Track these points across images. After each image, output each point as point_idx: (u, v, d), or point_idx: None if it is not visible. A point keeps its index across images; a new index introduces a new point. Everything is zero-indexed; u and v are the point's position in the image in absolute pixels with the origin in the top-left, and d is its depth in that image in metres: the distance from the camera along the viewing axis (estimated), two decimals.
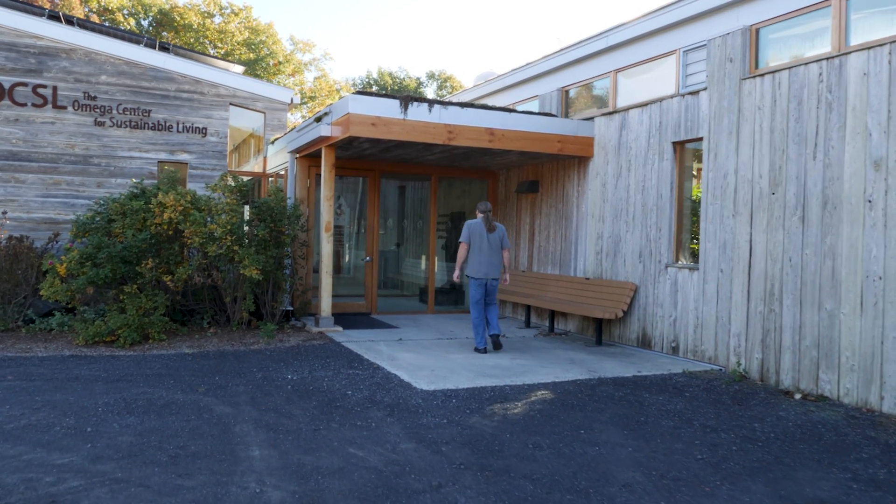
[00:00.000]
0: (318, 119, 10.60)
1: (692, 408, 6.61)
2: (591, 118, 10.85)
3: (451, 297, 14.61)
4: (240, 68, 17.67)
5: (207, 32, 35.46)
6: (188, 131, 14.56)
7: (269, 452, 5.01)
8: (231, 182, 10.17)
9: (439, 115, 9.78)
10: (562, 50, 11.58)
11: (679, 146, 9.28)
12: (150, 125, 14.29)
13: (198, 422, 5.73)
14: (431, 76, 45.42)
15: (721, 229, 8.43)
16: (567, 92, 11.89)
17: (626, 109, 10.12)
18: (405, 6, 67.14)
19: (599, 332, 10.00)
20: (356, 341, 9.69)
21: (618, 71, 10.55)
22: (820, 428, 6.05)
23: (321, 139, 10.37)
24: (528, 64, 12.61)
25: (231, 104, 15.02)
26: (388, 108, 9.51)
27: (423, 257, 15.83)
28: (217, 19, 37.22)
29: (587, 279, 10.70)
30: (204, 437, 5.32)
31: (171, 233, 9.61)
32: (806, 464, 5.12)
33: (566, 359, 8.84)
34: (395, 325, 11.58)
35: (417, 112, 9.66)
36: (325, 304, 10.56)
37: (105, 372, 7.53)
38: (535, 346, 9.80)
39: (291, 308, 11.78)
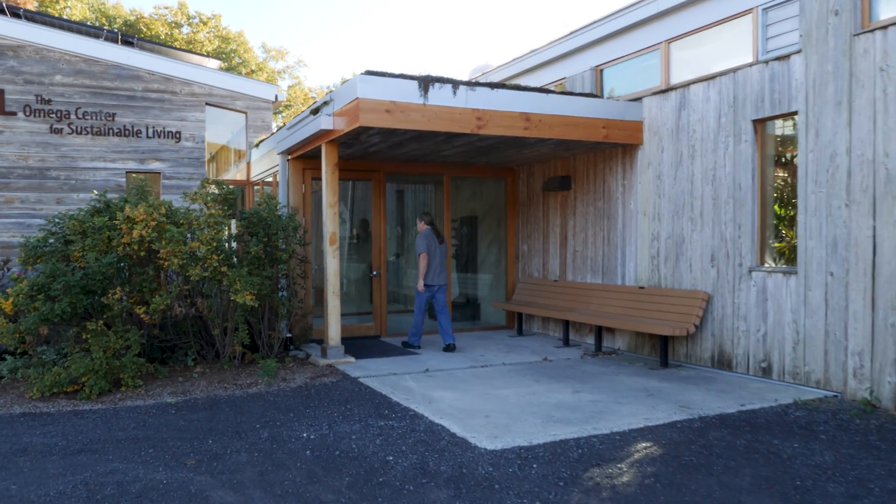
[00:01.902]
0: (316, 111, 8.88)
1: (845, 458, 4.98)
2: (639, 99, 9.23)
3: (467, 311, 12.93)
4: (216, 63, 15.90)
5: (176, 43, 33.71)
6: (160, 136, 12.79)
7: None
8: (214, 190, 8.41)
9: (466, 99, 8.11)
10: (595, 22, 9.96)
11: (760, 125, 7.68)
12: (116, 131, 12.50)
13: None
14: None
15: (829, 223, 6.83)
16: (601, 71, 10.28)
17: (686, 85, 8.51)
18: (381, 8, 65.48)
19: (665, 351, 8.35)
20: (375, 375, 7.97)
21: (671, 41, 8.95)
22: None
23: (321, 134, 8.66)
24: (551, 43, 10.99)
25: (208, 104, 13.26)
26: (406, 92, 7.83)
27: None
28: (185, 29, 35.66)
29: (641, 288, 9.06)
30: None
31: (142, 254, 7.83)
32: None
33: (639, 389, 7.18)
34: (410, 349, 9.87)
35: (440, 95, 7.98)
36: (334, 330, 8.82)
37: (64, 438, 5.76)
38: (590, 372, 8.14)
39: (290, 335, 10.04)
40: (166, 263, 7.64)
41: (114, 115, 12.46)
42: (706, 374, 7.94)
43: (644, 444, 5.30)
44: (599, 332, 9.47)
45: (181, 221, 7.86)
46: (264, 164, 11.92)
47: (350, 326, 10.65)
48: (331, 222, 8.76)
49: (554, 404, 6.55)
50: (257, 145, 12.79)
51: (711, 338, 8.14)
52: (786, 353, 7.26)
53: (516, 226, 12.05)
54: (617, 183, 9.66)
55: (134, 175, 12.76)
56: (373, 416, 6.24)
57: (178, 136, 12.90)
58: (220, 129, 15.54)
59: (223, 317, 8.37)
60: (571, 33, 10.54)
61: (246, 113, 13.70)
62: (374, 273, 10.83)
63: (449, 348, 9.71)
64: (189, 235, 8.08)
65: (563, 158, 10.76)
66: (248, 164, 13.48)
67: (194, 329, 8.58)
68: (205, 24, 36.37)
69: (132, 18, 33.60)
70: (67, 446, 5.54)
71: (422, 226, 10.00)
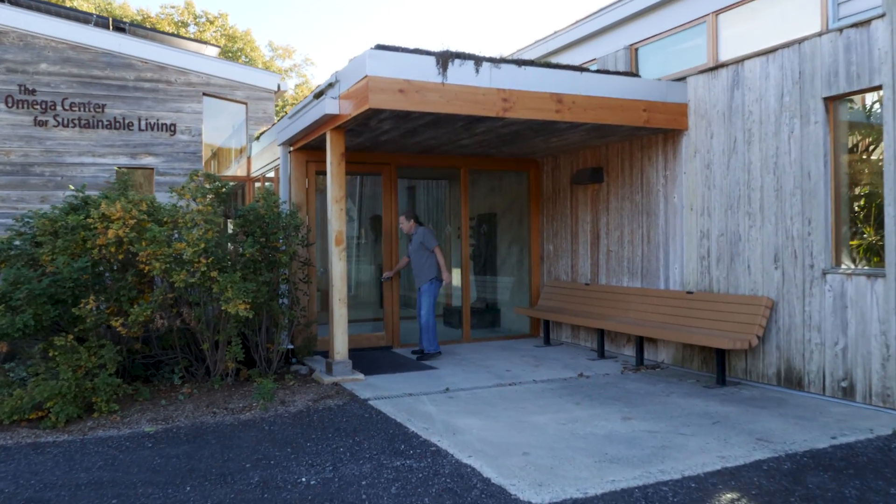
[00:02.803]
0: (319, 94, 7.85)
1: None
2: (682, 79, 8.15)
3: (486, 318, 11.88)
4: (214, 50, 14.90)
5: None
6: (153, 129, 11.81)
7: None
8: (204, 183, 7.38)
9: (490, 77, 7.05)
10: None
11: (833, 103, 6.59)
12: (106, 123, 11.52)
13: None
14: None
15: None
16: (636, 50, 9.21)
17: (740, 62, 7.42)
18: (391, 6, 64.49)
19: (721, 366, 7.27)
20: (388, 397, 6.93)
21: (718, 12, 7.87)
22: None
23: (326, 120, 7.63)
24: (580, 21, 9.92)
25: (205, 94, 12.27)
26: (422, 69, 6.77)
27: (449, 271, 13.17)
28: (192, 28, 35.03)
29: (689, 293, 7.98)
30: None
31: (120, 257, 6.80)
32: None
33: (700, 414, 6.10)
34: (425, 362, 8.82)
35: (461, 73, 6.93)
36: (340, 343, 7.78)
37: (13, 483, 4.74)
38: (636, 391, 7.06)
39: (292, 346, 9.01)
40: (147, 268, 6.61)
41: (103, 106, 11.49)
42: (773, 393, 6.85)
43: (730, 496, 4.21)
44: (641, 343, 8.39)
45: (165, 219, 6.82)
46: (265, 158, 10.90)
47: (358, 337, 9.60)
48: (337, 220, 7.72)
49: (604, 436, 5.48)
50: (258, 138, 11.76)
51: (776, 351, 7.05)
52: (872, 370, 6.17)
53: (540, 223, 10.98)
54: (657, 174, 8.58)
55: (125, 171, 11.80)
56: (386, 452, 5.18)
57: (172, 128, 11.91)
58: (220, 122, 14.51)
59: (214, 329, 7.33)
60: (602, 9, 9.48)
61: (246, 104, 12.70)
62: (385, 276, 9.76)
63: (437, 354, 9.20)
64: (176, 235, 7.06)
65: (593, 148, 9.68)
66: (249, 158, 12.46)
67: (182, 343, 7.54)
68: (211, 23, 35.91)
69: (139, 18, 33.16)
70: (14, 495, 4.51)
71: (412, 224, 9.30)
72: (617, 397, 6.80)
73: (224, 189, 7.40)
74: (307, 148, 9.24)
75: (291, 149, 9.41)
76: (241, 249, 7.21)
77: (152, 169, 11.82)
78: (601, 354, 9.03)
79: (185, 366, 7.66)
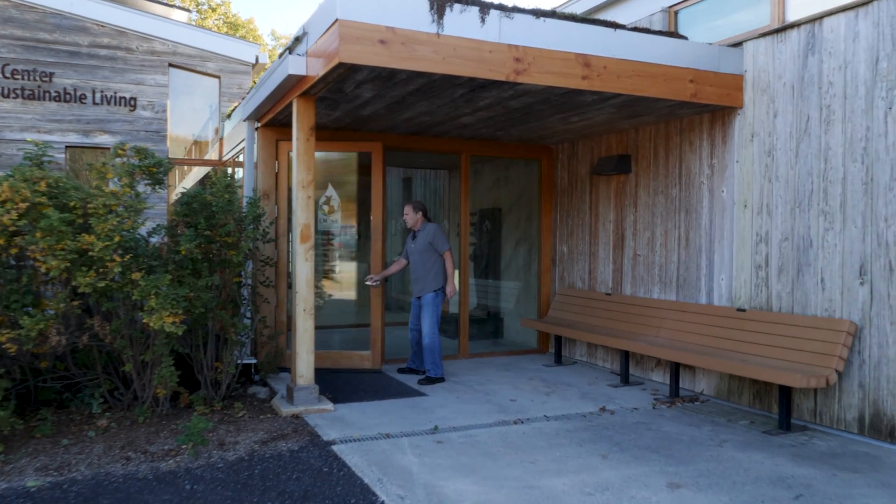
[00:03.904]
0: (287, 52, 6.28)
1: None
2: (738, 44, 6.57)
3: (486, 329, 10.35)
4: (183, 15, 13.34)
5: None
6: (110, 103, 10.27)
7: None
8: (131, 158, 5.81)
9: (499, 30, 5.48)
10: None
11: None
12: (54, 94, 9.97)
13: None
14: None
15: None
16: (676, 13, 7.63)
17: (817, 19, 5.84)
18: None
19: (787, 407, 5.69)
20: (359, 439, 5.37)
21: None
22: None
23: (292, 84, 6.08)
24: None
25: (171, 65, 10.71)
26: (410, 14, 5.20)
27: None
28: (194, 15, 33.62)
29: (740, 311, 6.40)
30: None
31: (14, 251, 5.23)
32: None
33: (770, 479, 4.53)
34: (413, 385, 7.27)
35: (462, 22, 5.35)
36: (304, 364, 6.22)
37: None
38: (677, 437, 5.49)
39: (255, 361, 7.49)
40: (44, 267, 5.04)
41: (51, 74, 9.93)
42: (857, 446, 5.27)
43: None
44: (676, 370, 6.82)
45: (74, 204, 5.25)
46: (236, 139, 9.34)
47: (335, 355, 8.00)
48: (303, 210, 6.16)
49: None
50: (229, 115, 10.21)
51: (859, 390, 5.48)
52: None
53: (553, 221, 9.40)
54: (700, 162, 7.00)
55: (77, 150, 10.26)
56: None
57: (132, 103, 10.36)
58: (194, 99, 12.92)
59: (142, 345, 5.77)
60: None
61: (219, 77, 11.14)
62: (373, 281, 7.98)
63: (422, 372, 7.77)
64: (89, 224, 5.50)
65: (619, 132, 8.10)
66: (221, 140, 10.90)
67: (104, 361, 5.98)
68: (213, 10, 34.52)
69: None
70: None
71: (420, 218, 7.71)
72: (655, 447, 5.23)
73: (157, 167, 5.82)
74: (276, 124, 7.69)
75: (258, 125, 7.86)
76: (177, 245, 5.65)
77: (108, 149, 10.27)
78: (625, 380, 7.46)
79: (109, 389, 6.11)
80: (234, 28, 35.40)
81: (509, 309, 10.32)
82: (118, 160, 5.73)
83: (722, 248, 6.74)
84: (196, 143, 13.13)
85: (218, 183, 6.21)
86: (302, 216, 6.15)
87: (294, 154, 6.17)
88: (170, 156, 10.70)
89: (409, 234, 7.84)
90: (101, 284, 5.07)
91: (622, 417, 6.10)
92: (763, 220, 6.30)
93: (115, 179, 5.66)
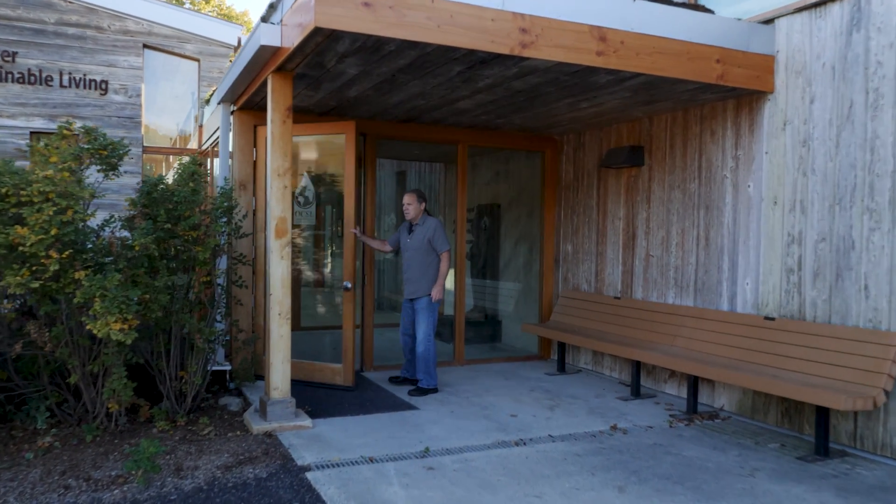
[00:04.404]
0: (260, 22, 5.56)
1: None
2: (769, 21, 5.87)
3: (483, 332, 9.65)
4: None
5: None
6: (79, 86, 9.54)
7: None
8: (83, 140, 5.10)
9: None
10: None
11: None
12: (17, 76, 9.25)
13: None
14: None
15: None
16: None
17: None
18: None
19: (825, 430, 5.01)
20: (338, 464, 4.67)
21: None
22: None
23: (266, 57, 5.37)
24: None
25: (146, 46, 9.98)
26: None
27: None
28: (187, 5, 32.82)
29: (769, 319, 5.71)
30: None
31: None
32: None
33: None
34: (403, 397, 6.57)
35: None
36: (278, 375, 5.51)
37: None
38: (702, 464, 4.80)
39: (230, 367, 6.79)
40: None
41: (14, 54, 9.21)
42: None
43: None
44: (695, 384, 6.13)
45: (5, 191, 4.52)
46: (214, 126, 8.61)
47: (306, 366, 7.18)
48: (278, 202, 5.45)
49: None
50: (208, 101, 9.49)
51: None
52: None
53: (556, 218, 8.71)
54: (724, 154, 6.31)
55: (42, 137, 9.52)
56: None
57: (104, 86, 9.64)
58: (176, 86, 12.18)
59: (88, 354, 5.06)
60: None
61: (199, 60, 10.41)
62: (346, 285, 6.79)
63: (414, 381, 7.02)
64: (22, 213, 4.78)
65: (631, 121, 7.41)
66: (200, 127, 10.17)
67: (49, 370, 5.25)
68: (207, 2, 33.70)
69: None
70: None
71: (422, 209, 6.90)
72: (677, 476, 4.54)
73: (113, 152, 5.10)
74: (254, 107, 6.98)
75: (234, 108, 7.14)
76: (131, 240, 4.94)
77: (76, 136, 9.52)
78: (636, 392, 6.77)
79: (58, 401, 5.39)
80: (228, 20, 34.69)
81: (508, 312, 9.63)
82: (59, 135, 5.01)
83: (747, 250, 6.05)
84: (182, 136, 12.37)
85: (183, 170, 5.49)
86: (277, 208, 5.43)
87: (269, 138, 5.46)
88: (145, 144, 9.98)
89: (402, 226, 7.06)
90: (35, 284, 4.35)
91: (637, 438, 5.40)
92: (796, 219, 5.61)
93: (58, 161, 4.93)
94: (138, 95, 9.80)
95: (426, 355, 6.69)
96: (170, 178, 5.82)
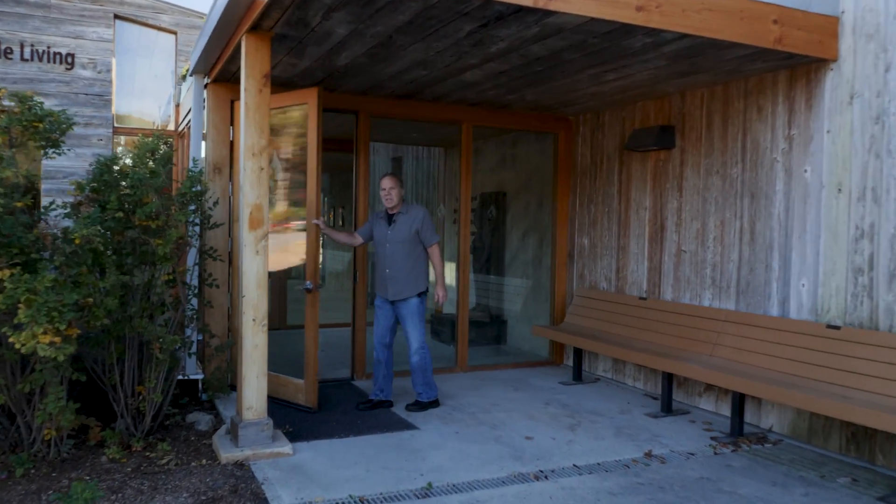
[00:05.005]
0: None
1: None
2: None
3: (488, 334, 8.82)
4: None
5: None
6: (41, 59, 8.62)
7: None
8: (14, 109, 4.21)
9: None
10: None
11: None
12: None
13: None
14: None
15: None
16: None
17: None
18: None
19: None
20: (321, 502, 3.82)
21: None
22: None
23: (239, 13, 4.49)
24: None
25: (118, 17, 9.06)
26: None
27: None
28: None
29: (831, 328, 4.86)
30: None
31: None
32: None
33: None
34: (400, 413, 5.70)
35: None
36: (252, 392, 4.63)
37: None
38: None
39: (202, 376, 5.94)
40: None
41: None
42: None
43: None
44: (741, 402, 5.27)
45: None
46: (190, 102, 7.70)
47: (271, 378, 6.21)
48: (253, 187, 4.56)
49: None
50: (185, 76, 8.56)
51: None
52: None
53: (571, 207, 7.83)
54: (773, 134, 5.44)
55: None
56: None
57: (70, 60, 8.72)
58: (154, 62, 11.21)
59: (16, 371, 4.17)
60: None
61: (175, 33, 9.48)
62: (307, 285, 5.55)
63: (388, 404, 5.95)
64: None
65: (660, 97, 6.53)
66: (177, 106, 9.26)
67: None
68: None
69: None
70: None
71: (401, 194, 5.81)
72: None
73: (53, 126, 4.21)
74: (230, 78, 6.08)
75: (208, 80, 6.24)
76: (71, 231, 4.04)
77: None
78: (666, 408, 5.91)
79: None
80: None
81: (515, 311, 8.77)
82: None
83: (803, 245, 5.19)
84: (166, 121, 11.42)
85: (141, 148, 4.60)
86: (251, 194, 4.55)
87: (242, 110, 4.56)
88: (115, 125, 9.07)
89: (376, 215, 5.99)
90: None
91: (678, 469, 4.55)
92: (867, 209, 4.75)
93: None
94: (108, 71, 8.88)
95: (423, 365, 5.80)
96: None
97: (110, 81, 8.90)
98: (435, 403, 5.87)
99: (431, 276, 5.91)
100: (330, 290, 13.85)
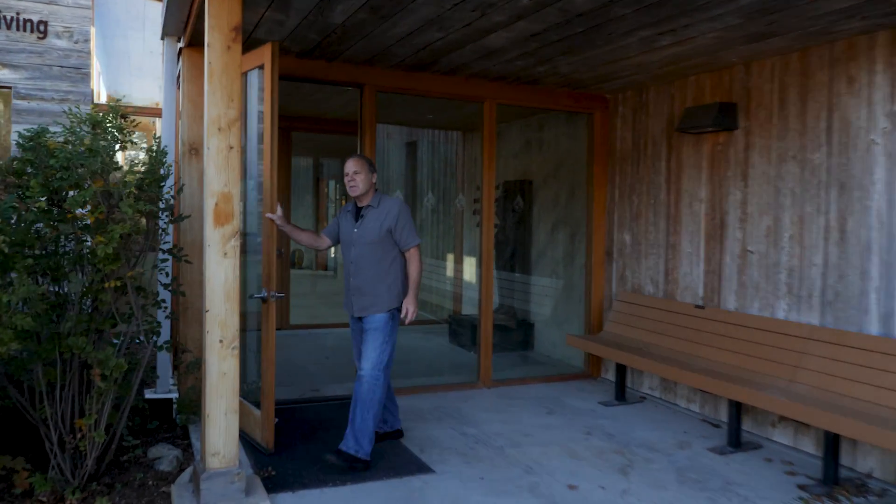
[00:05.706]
0: None
1: None
2: None
3: (513, 339, 7.85)
4: None
5: None
6: (10, 27, 7.68)
7: None
8: None
9: None
10: None
11: None
12: None
13: None
14: None
15: None
16: None
17: None
18: None
19: None
20: None
21: None
22: None
23: None
24: None
25: None
26: None
27: (459, 262, 9.14)
28: None
29: None
30: None
31: None
32: None
33: None
34: (411, 448, 4.68)
35: None
36: (217, 434, 3.63)
37: None
38: None
39: (177, 394, 5.00)
40: None
41: None
42: None
43: None
44: (836, 444, 4.22)
45: None
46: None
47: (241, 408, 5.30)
48: (220, 171, 3.56)
49: None
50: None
51: None
52: None
53: (609, 198, 6.79)
54: (869, 110, 4.37)
55: None
56: None
57: (42, 28, 7.77)
58: (147, 36, 10.22)
59: None
60: None
61: (163, 0, 8.47)
62: (263, 294, 4.33)
63: (396, 434, 4.86)
64: None
65: (718, 69, 5.46)
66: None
67: None
68: None
69: None
70: None
71: (373, 183, 4.47)
72: None
73: None
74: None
75: (182, 44, 5.25)
76: None
77: (10, 88, 7.68)
78: (734, 441, 4.87)
79: None
80: None
81: (543, 315, 7.75)
82: None
83: None
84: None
85: (72, 118, 3.60)
86: (217, 180, 3.55)
87: (206, 72, 3.55)
88: (95, 101, 8.13)
89: (343, 210, 4.69)
90: None
91: None
92: None
93: None
94: (87, 41, 7.91)
95: (369, 398, 4.28)
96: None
97: (88, 53, 7.94)
98: (364, 465, 4.23)
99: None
100: (340, 282, 12.90)
